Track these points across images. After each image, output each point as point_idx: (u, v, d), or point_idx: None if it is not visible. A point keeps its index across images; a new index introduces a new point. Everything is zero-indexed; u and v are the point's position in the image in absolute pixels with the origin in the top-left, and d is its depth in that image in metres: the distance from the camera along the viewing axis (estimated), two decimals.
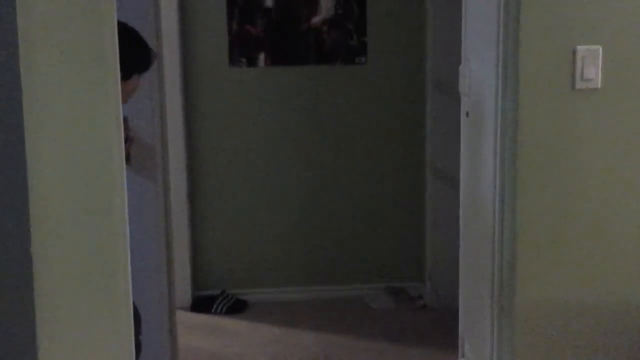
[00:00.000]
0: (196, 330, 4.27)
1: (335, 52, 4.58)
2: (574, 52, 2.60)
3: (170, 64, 4.25)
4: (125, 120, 2.95)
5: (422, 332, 4.18)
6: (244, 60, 4.56)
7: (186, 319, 4.37)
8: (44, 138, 1.75)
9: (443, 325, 4.15)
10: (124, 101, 2.60)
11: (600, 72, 2.61)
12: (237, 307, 4.56)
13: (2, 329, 1.73)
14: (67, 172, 1.80)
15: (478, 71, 3.02)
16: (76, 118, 1.79)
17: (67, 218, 1.81)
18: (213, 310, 4.52)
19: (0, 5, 1.65)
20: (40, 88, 1.74)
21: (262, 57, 4.57)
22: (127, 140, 2.88)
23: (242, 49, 4.55)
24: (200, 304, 4.58)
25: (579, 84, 2.61)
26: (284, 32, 4.55)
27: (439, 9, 4.36)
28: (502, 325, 2.82)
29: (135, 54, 2.61)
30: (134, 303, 2.44)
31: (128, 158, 2.97)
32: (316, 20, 4.55)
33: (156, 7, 3.22)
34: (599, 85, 2.62)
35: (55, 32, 1.75)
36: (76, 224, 1.82)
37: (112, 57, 1.81)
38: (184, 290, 4.52)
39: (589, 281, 2.74)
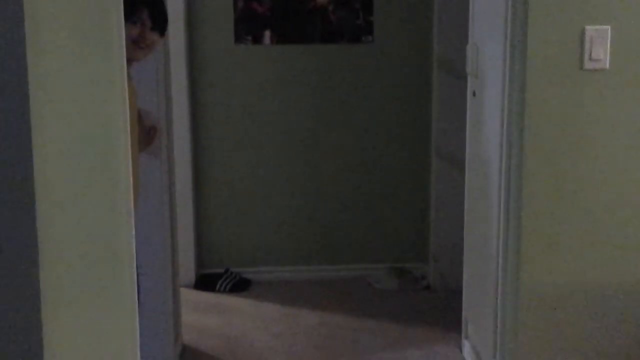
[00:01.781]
0: (200, 309, 4.28)
1: (342, 31, 4.55)
2: (583, 32, 2.58)
3: (176, 41, 4.23)
4: (148, 112, 3.02)
5: (426, 313, 4.18)
6: (249, 38, 4.54)
7: (190, 297, 4.37)
8: (49, 124, 1.75)
9: (447, 306, 4.15)
10: (140, 54, 2.80)
11: (608, 53, 2.59)
12: (240, 286, 4.56)
13: (9, 316, 1.73)
14: (72, 152, 1.80)
15: (485, 51, 3.00)
16: (82, 102, 1.78)
17: (71, 197, 1.81)
18: (217, 288, 4.52)
19: None
20: (47, 74, 1.73)
21: (267, 35, 4.54)
22: (153, 130, 2.95)
23: (247, 27, 4.52)
24: (204, 282, 4.58)
25: (588, 65, 2.59)
26: (290, 10, 4.52)
27: None
28: (506, 307, 2.82)
29: (160, 11, 2.83)
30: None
31: (149, 144, 3.01)
32: None
33: None
34: (608, 66, 2.60)
35: (62, 16, 1.73)
36: (80, 202, 1.82)
37: (118, 40, 1.79)
38: (187, 269, 4.52)
39: (593, 262, 2.73)
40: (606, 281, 2.74)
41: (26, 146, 1.71)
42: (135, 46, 2.80)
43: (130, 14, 2.77)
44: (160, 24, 2.84)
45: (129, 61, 2.83)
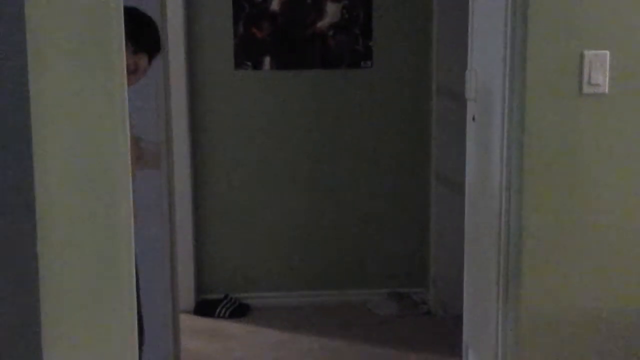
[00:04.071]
0: (199, 334, 4.26)
1: (341, 56, 4.57)
2: (582, 57, 2.59)
3: (176, 67, 4.24)
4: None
5: (426, 339, 4.16)
6: (249, 63, 4.56)
7: (189, 322, 4.35)
8: (50, 140, 1.75)
9: (447, 331, 4.13)
10: (129, 80, 2.71)
11: (607, 77, 2.59)
12: (240, 311, 4.55)
13: (8, 334, 1.72)
14: (72, 176, 1.80)
15: (484, 76, 3.01)
16: (82, 120, 1.79)
17: (71, 222, 1.81)
18: (216, 314, 4.51)
19: (9, 6, 1.65)
20: (48, 90, 1.73)
21: (267, 60, 4.56)
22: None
23: (247, 53, 4.54)
24: (204, 308, 4.57)
25: (587, 89, 2.60)
26: (290, 36, 4.54)
27: (445, 13, 4.35)
28: (507, 332, 2.81)
29: (143, 33, 2.74)
30: (140, 317, 2.44)
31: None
32: (322, 24, 4.54)
33: (162, 9, 3.22)
34: (607, 91, 2.61)
35: (64, 35, 1.74)
36: (81, 228, 1.82)
37: (119, 58, 1.80)
38: (187, 294, 4.50)
39: (596, 288, 2.72)
40: (609, 307, 2.73)
41: (27, 170, 1.71)
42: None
43: (143, 45, 2.72)
44: (144, 45, 2.75)
45: None
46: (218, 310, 4.51)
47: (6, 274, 1.71)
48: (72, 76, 1.77)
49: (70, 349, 1.84)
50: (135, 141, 2.89)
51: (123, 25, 1.83)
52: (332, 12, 4.53)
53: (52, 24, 1.73)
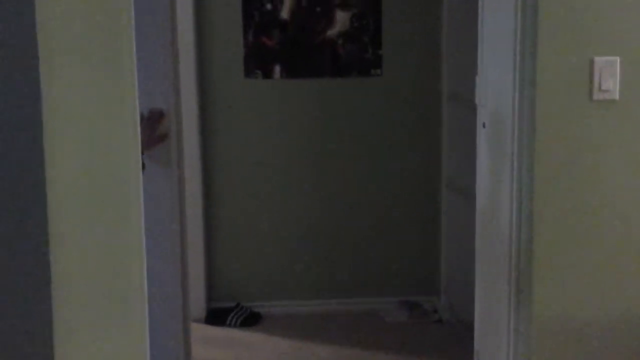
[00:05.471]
0: (210, 343, 4.26)
1: (351, 64, 4.57)
2: (592, 63, 2.58)
3: (186, 75, 4.25)
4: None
5: (437, 347, 4.15)
6: (259, 72, 4.56)
7: (200, 331, 4.35)
8: (61, 142, 1.76)
9: (458, 339, 4.12)
10: None
11: (618, 83, 2.59)
12: (251, 320, 4.54)
13: (21, 335, 1.73)
14: (84, 177, 1.81)
15: (495, 82, 3.00)
16: (93, 122, 1.80)
17: (83, 231, 1.82)
18: (227, 322, 4.51)
19: (20, 10, 1.66)
20: (59, 93, 1.74)
21: (277, 69, 4.57)
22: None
23: (257, 61, 4.55)
24: (215, 317, 4.57)
25: (597, 95, 2.59)
26: (300, 45, 4.55)
27: (454, 20, 4.35)
28: (518, 340, 2.80)
29: None
30: None
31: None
32: (331, 32, 4.55)
33: (172, 18, 3.23)
34: (617, 97, 2.60)
35: (75, 39, 1.76)
36: (92, 229, 1.82)
37: (129, 58, 1.81)
38: (198, 303, 4.50)
39: (608, 295, 2.71)
40: (622, 313, 2.72)
41: (39, 171, 1.72)
42: None
43: None
44: None
45: None
46: (229, 319, 4.51)
47: (18, 275, 1.72)
48: (83, 77, 1.78)
49: (82, 350, 1.85)
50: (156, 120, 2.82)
51: (133, 25, 1.84)
52: (341, 21, 4.54)
53: (62, 25, 1.74)
